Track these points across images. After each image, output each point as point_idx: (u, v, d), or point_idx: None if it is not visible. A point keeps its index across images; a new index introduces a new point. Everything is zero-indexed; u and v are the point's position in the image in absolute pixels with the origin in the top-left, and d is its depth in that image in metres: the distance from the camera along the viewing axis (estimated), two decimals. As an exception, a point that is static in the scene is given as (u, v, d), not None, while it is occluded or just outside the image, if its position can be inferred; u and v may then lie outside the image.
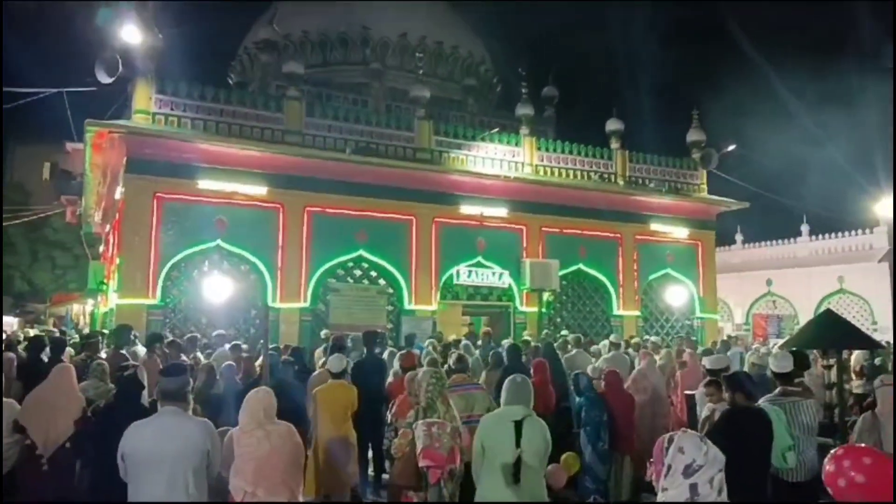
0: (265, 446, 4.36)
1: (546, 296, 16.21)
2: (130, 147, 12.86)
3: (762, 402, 5.62)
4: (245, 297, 13.47)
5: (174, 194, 13.07)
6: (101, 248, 21.01)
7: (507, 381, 4.71)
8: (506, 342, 10.93)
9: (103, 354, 8.93)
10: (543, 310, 16.13)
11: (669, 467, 2.76)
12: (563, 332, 13.80)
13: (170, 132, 13.16)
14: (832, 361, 7.12)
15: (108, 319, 14.94)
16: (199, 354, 9.78)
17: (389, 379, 8.42)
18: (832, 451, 2.64)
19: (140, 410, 4.82)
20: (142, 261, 12.71)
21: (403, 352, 9.04)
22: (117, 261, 13.73)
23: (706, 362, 7.48)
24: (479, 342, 11.87)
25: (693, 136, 18.71)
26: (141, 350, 9.44)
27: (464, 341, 11.28)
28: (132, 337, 10.02)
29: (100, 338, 11.62)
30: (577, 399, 7.42)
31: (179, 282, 13.23)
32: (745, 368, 9.16)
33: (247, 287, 13.60)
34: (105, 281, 17.33)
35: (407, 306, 14.97)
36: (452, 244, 15.58)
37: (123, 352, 8.98)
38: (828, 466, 2.60)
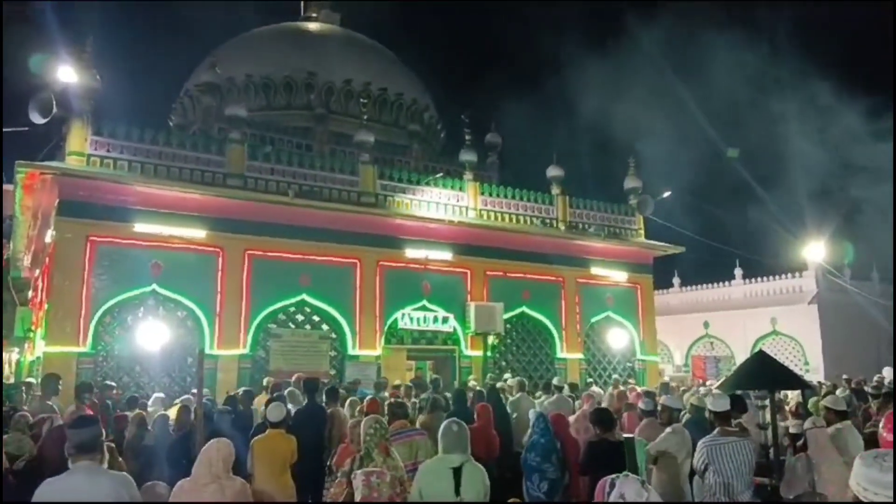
0: (218, 500, 4.15)
1: (491, 339, 16.22)
2: (63, 189, 12.46)
3: (701, 442, 5.71)
4: (181, 343, 13.05)
5: (108, 238, 12.67)
6: (30, 294, 20.11)
7: (443, 427, 4.63)
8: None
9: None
10: (488, 353, 16.12)
11: None
12: (507, 376, 13.76)
13: (104, 174, 12.82)
14: (766, 402, 7.30)
15: (34, 368, 14.22)
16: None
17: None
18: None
19: (66, 467, 4.54)
20: (72, 307, 12.20)
21: (353, 398, 8.95)
22: (46, 307, 13.15)
23: (664, 400, 7.62)
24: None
25: (630, 182, 19.36)
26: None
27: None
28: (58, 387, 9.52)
29: (23, 388, 11.08)
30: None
31: (112, 328, 12.72)
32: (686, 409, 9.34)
33: (183, 333, 13.18)
34: (32, 328, 16.54)
35: (351, 351, 14.72)
36: (397, 288, 15.50)
37: (50, 402, 8.56)
38: None
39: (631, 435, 7.95)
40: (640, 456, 5.95)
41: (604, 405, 10.88)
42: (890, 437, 6.38)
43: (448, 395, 9.48)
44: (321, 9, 24.46)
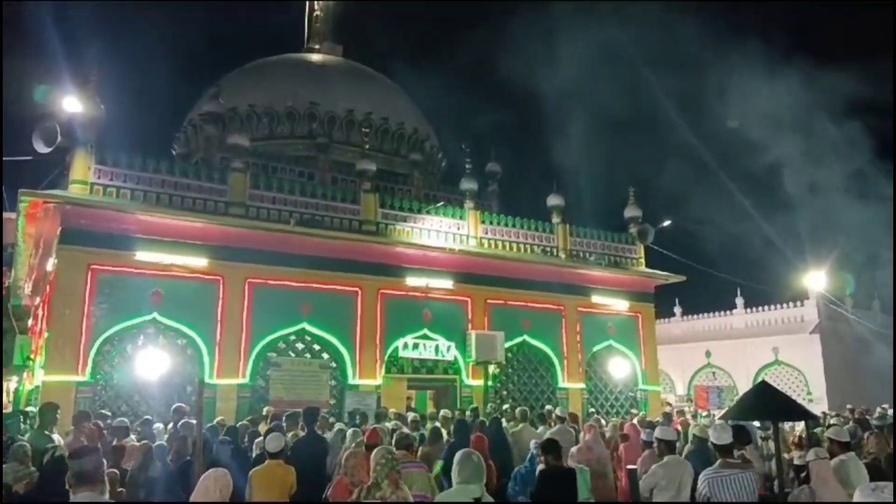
0: None
1: (492, 368, 16.13)
2: (65, 217, 12.51)
3: (703, 475, 5.65)
4: (181, 372, 12.98)
5: (109, 266, 12.68)
6: (30, 322, 20.07)
7: (461, 457, 4.53)
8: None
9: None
10: (489, 383, 16.02)
11: None
12: (505, 407, 13.64)
13: (106, 202, 12.88)
14: (769, 433, 7.24)
15: (33, 397, 14.13)
16: (132, 437, 9.30)
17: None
18: None
19: (66, 496, 4.48)
20: (72, 335, 12.16)
21: (355, 429, 8.87)
22: (45, 335, 13.11)
23: (657, 433, 7.54)
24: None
25: (630, 212, 19.47)
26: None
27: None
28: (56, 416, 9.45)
29: (20, 417, 11.00)
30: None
31: (111, 357, 12.65)
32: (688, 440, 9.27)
33: (183, 362, 13.12)
34: (31, 356, 16.46)
35: (351, 381, 14.63)
36: (398, 316, 15.46)
37: (47, 433, 8.49)
38: None
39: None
40: (582, 485, 6.92)
41: (607, 435, 10.86)
42: None
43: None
44: (323, 40, 24.80)
